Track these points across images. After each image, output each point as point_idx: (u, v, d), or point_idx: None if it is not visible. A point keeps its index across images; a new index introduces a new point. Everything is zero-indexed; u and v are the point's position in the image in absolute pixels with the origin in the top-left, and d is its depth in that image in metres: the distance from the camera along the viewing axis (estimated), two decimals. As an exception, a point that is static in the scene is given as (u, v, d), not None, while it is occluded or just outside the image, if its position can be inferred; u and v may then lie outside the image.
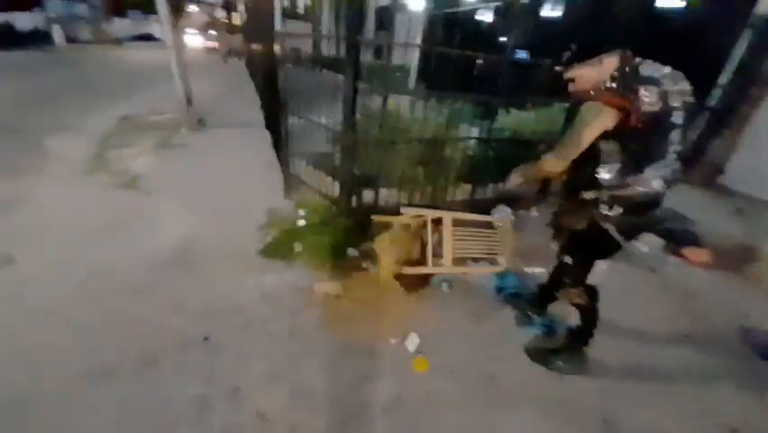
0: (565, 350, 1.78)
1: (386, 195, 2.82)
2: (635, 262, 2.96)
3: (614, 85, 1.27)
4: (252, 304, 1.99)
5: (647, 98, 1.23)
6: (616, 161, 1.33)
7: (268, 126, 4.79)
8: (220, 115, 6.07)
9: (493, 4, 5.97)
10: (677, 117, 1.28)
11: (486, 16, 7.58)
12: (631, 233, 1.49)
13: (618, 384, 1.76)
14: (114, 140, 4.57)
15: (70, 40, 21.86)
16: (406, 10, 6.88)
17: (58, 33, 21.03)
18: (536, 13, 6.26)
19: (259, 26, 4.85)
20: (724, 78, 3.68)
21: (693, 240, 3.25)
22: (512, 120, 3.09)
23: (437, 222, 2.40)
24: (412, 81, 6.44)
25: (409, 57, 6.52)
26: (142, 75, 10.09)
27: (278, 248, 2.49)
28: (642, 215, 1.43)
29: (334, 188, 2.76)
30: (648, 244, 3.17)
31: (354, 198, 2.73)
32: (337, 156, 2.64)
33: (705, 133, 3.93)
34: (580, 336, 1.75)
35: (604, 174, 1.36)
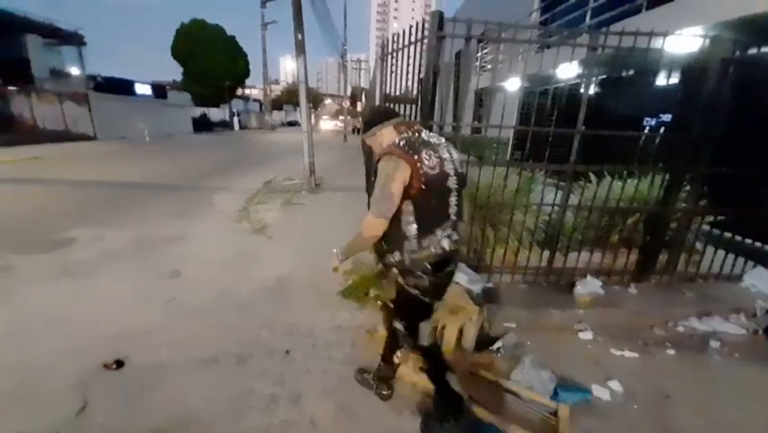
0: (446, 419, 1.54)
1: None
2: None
3: (402, 144, 1.34)
4: (323, 332, 2.35)
5: (427, 161, 1.30)
6: (411, 222, 1.33)
7: (366, 189, 5.63)
8: (333, 181, 7.47)
9: (596, 78, 5.99)
10: (452, 181, 1.36)
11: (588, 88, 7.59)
12: (437, 293, 1.50)
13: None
14: (256, 198, 6.07)
15: (243, 126, 31.11)
16: (503, 89, 7.45)
17: (236, 122, 30.70)
18: (649, 83, 6.02)
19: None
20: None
21: None
22: (603, 188, 3.00)
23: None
24: (508, 153, 6.71)
25: (504, 131, 6.92)
26: (285, 151, 13.14)
27: (355, 291, 2.87)
28: (438, 274, 1.40)
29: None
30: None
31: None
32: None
33: None
34: (447, 404, 1.54)
35: (409, 235, 1.33)
